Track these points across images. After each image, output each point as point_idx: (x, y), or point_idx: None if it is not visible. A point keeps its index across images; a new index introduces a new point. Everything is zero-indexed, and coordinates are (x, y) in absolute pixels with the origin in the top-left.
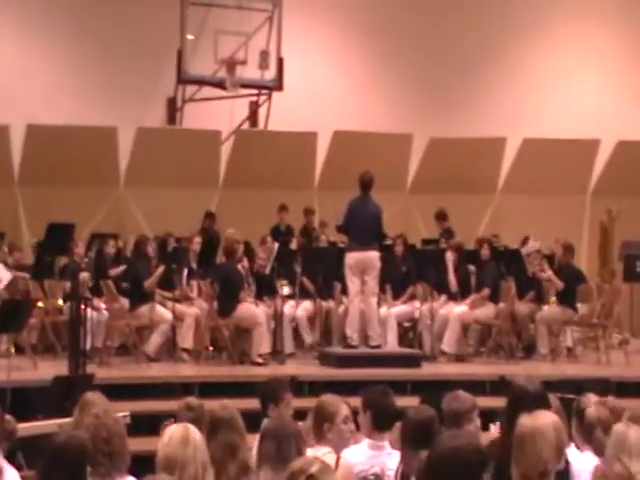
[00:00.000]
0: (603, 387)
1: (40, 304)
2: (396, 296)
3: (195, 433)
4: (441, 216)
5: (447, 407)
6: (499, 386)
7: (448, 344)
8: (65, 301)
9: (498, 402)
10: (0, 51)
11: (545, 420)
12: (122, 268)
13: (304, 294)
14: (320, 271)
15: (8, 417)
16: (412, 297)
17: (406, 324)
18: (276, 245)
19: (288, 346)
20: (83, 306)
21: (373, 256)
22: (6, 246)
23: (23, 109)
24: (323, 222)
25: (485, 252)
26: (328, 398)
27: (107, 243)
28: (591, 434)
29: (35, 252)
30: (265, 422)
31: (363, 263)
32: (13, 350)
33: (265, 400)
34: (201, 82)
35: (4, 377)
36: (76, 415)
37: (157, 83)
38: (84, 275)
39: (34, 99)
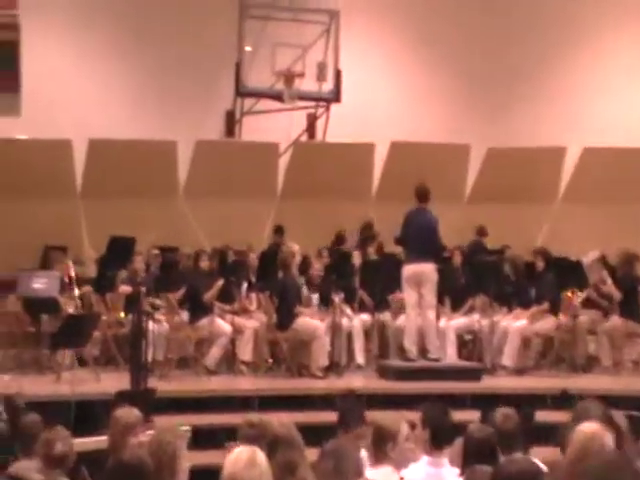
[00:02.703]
0: None
1: (103, 317)
2: (455, 308)
3: (262, 457)
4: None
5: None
6: (560, 400)
7: (508, 358)
8: (127, 314)
9: (559, 416)
10: (60, 66)
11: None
12: (181, 292)
13: (362, 307)
14: (378, 284)
15: (59, 444)
16: (471, 309)
17: (466, 337)
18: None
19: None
20: (144, 319)
21: (429, 268)
22: (70, 260)
23: (84, 123)
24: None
25: (540, 263)
26: (388, 417)
27: (167, 256)
28: None
29: (97, 265)
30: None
31: (419, 275)
32: (76, 363)
33: (346, 418)
34: (259, 95)
35: (68, 391)
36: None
37: (215, 96)
38: (144, 288)
39: (95, 114)
